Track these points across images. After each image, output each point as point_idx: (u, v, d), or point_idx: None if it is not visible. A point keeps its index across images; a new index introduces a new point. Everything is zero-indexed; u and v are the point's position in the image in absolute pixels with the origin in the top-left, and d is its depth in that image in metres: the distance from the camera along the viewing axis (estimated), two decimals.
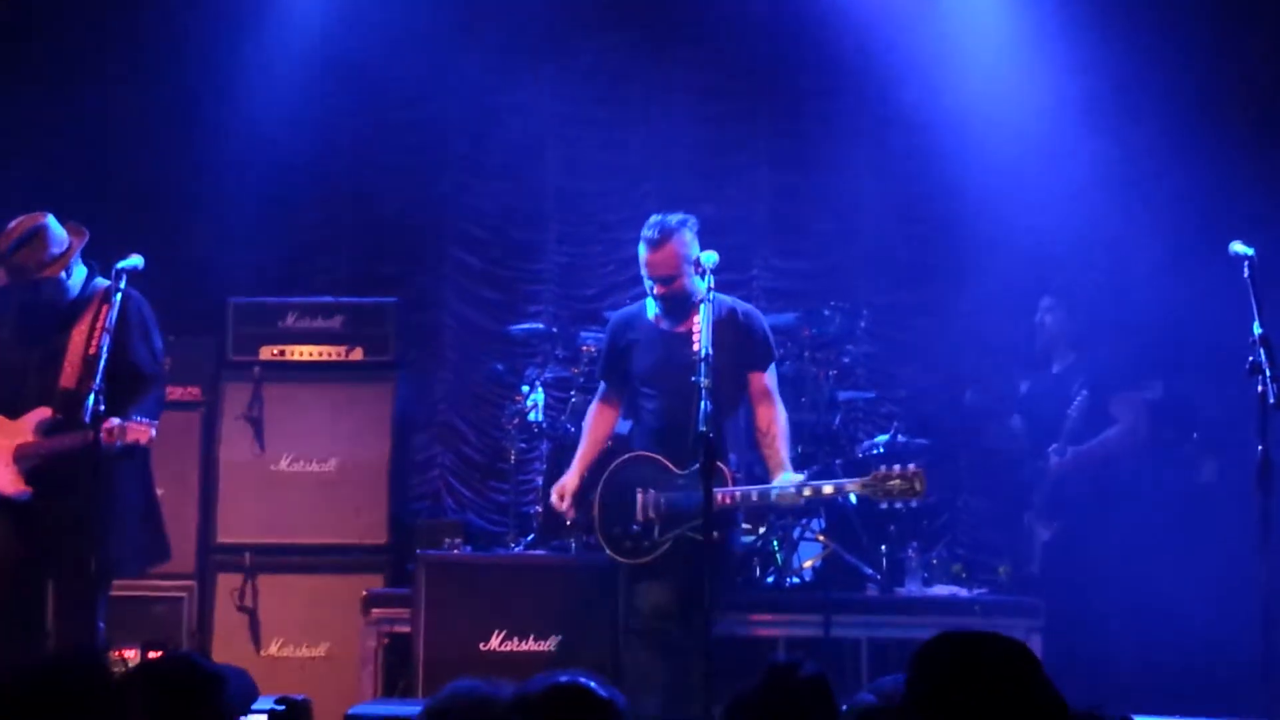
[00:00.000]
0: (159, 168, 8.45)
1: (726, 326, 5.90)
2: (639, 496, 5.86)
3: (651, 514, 5.85)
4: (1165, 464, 6.88)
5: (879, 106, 8.62)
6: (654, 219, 5.92)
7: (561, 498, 6.07)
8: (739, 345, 5.93)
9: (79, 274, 5.80)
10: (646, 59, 8.92)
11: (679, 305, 5.95)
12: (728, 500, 5.69)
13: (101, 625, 5.64)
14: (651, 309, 6.08)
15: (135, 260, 5.60)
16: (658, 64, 8.91)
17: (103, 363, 5.32)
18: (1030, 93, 8.23)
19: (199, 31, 8.49)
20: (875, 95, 8.60)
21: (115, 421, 5.40)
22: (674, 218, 5.92)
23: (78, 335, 5.69)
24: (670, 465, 5.86)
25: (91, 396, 5.20)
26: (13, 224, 5.71)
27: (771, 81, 8.83)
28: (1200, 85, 8.10)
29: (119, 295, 5.52)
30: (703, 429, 5.12)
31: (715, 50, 8.89)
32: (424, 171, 8.91)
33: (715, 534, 5.32)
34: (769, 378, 5.99)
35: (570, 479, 6.12)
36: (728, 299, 6.08)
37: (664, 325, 6.03)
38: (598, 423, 6.26)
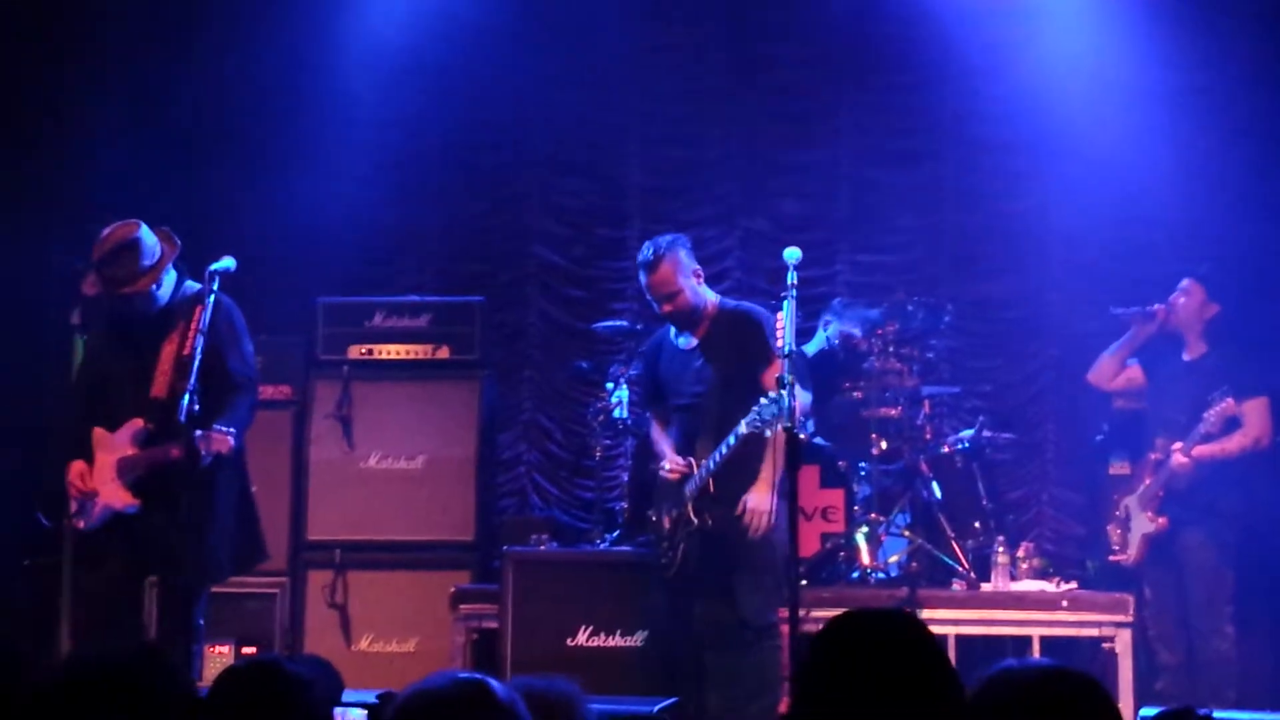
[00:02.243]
0: (247, 168, 8.57)
1: (724, 329, 6.15)
2: (662, 516, 6.21)
3: (668, 525, 6.18)
4: (1260, 458, 6.75)
5: (960, 99, 8.57)
6: (646, 244, 6.21)
7: (674, 465, 6.20)
8: (741, 344, 6.10)
9: (169, 282, 5.78)
10: (726, 55, 8.92)
11: (687, 319, 6.21)
12: (676, 473, 6.07)
13: (201, 624, 5.73)
14: (673, 330, 6.34)
15: (228, 262, 5.63)
16: (738, 60, 8.91)
17: (196, 364, 5.38)
18: (1114, 83, 8.15)
19: (288, 30, 8.58)
20: (956, 88, 8.56)
21: (199, 434, 5.43)
22: (664, 239, 6.21)
23: (169, 345, 5.69)
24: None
25: (186, 397, 5.27)
26: (106, 232, 5.70)
27: (851, 76, 8.81)
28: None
29: (212, 297, 5.57)
30: (788, 424, 5.23)
31: (795, 46, 8.89)
32: (506, 170, 8.99)
33: (708, 518, 5.94)
34: (776, 369, 5.99)
35: (668, 453, 6.28)
36: (730, 303, 6.35)
37: (680, 343, 6.28)
38: (661, 443, 6.42)
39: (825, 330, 7.72)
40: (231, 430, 5.55)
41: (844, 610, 2.66)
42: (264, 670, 3.04)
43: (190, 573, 5.55)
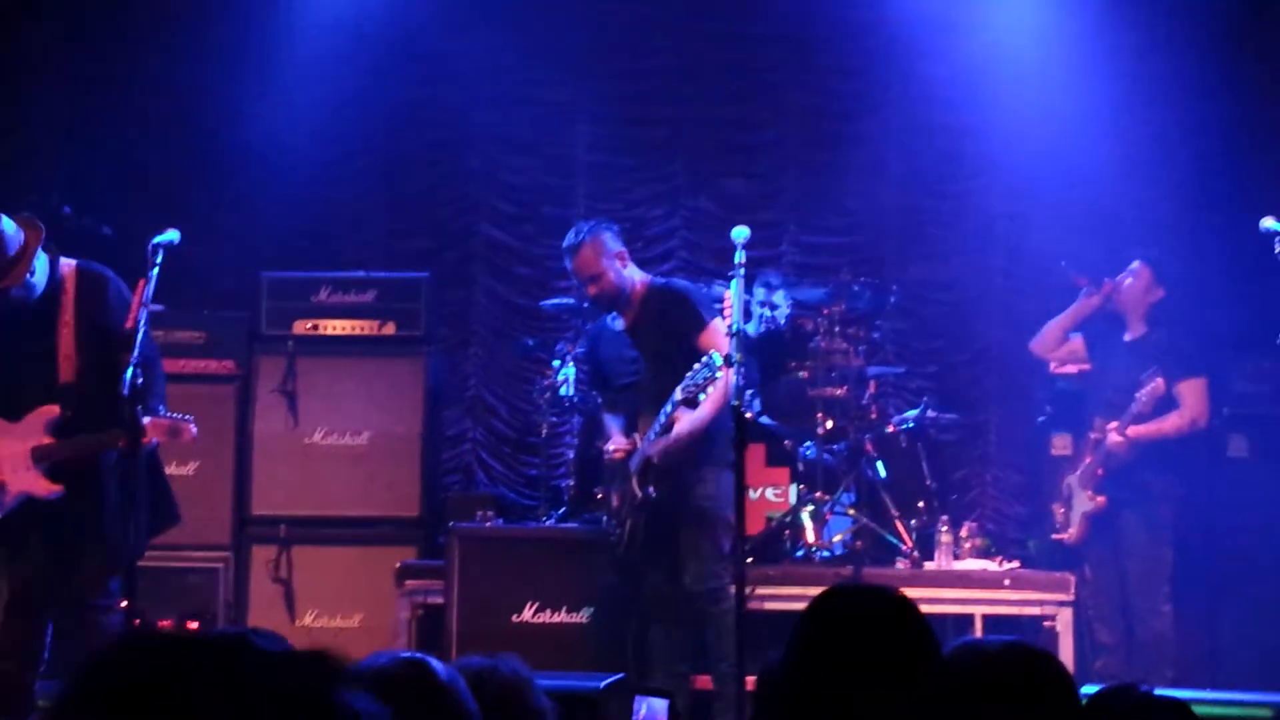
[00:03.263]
0: (191, 143, 8.49)
1: (651, 307, 6.30)
2: (610, 494, 6.36)
3: (615, 502, 6.33)
4: (1195, 439, 6.85)
5: (906, 81, 8.60)
6: (570, 230, 6.43)
7: (619, 444, 6.36)
8: (670, 319, 6.23)
9: (42, 267, 5.59)
10: (673, 33, 8.91)
11: (613, 301, 6.38)
12: (620, 453, 6.21)
13: (124, 602, 5.68)
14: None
15: (171, 235, 5.57)
16: (685, 39, 8.90)
17: (140, 336, 5.33)
18: (1060, 65, 8.21)
19: (232, 5, 8.52)
20: (902, 69, 8.58)
21: (169, 417, 5.45)
22: (587, 224, 6.44)
23: (64, 329, 5.58)
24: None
25: (129, 370, 5.23)
26: None
27: (797, 57, 8.82)
28: (1232, 60, 8.08)
29: (155, 270, 5.52)
30: (734, 402, 5.29)
31: (742, 25, 8.89)
32: (452, 146, 8.95)
33: (651, 490, 6.09)
34: (711, 333, 6.13)
35: (614, 435, 6.44)
36: (659, 281, 6.54)
37: (617, 325, 6.45)
38: (609, 423, 6.56)
39: (762, 305, 7.69)
40: (189, 417, 5.56)
41: (832, 586, 2.68)
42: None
43: (116, 553, 5.53)
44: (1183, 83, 8.13)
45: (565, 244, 6.39)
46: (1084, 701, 2.74)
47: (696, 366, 5.70)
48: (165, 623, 7.02)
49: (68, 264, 5.68)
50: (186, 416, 5.64)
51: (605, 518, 6.37)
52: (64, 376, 5.59)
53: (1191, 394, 6.75)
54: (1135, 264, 6.97)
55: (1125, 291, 6.95)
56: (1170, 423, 6.70)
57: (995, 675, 2.61)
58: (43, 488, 5.60)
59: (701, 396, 5.76)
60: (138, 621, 6.39)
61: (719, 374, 5.59)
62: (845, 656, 2.50)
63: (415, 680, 2.37)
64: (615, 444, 6.32)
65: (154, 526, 5.73)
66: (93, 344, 5.53)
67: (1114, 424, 6.69)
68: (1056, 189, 8.32)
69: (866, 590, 2.66)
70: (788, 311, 7.63)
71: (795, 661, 2.55)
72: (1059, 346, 7.20)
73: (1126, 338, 6.96)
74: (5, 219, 5.51)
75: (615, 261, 6.30)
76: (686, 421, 6.03)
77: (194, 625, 7.24)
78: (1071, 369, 7.44)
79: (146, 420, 5.37)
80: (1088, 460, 6.83)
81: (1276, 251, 5.84)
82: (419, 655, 2.43)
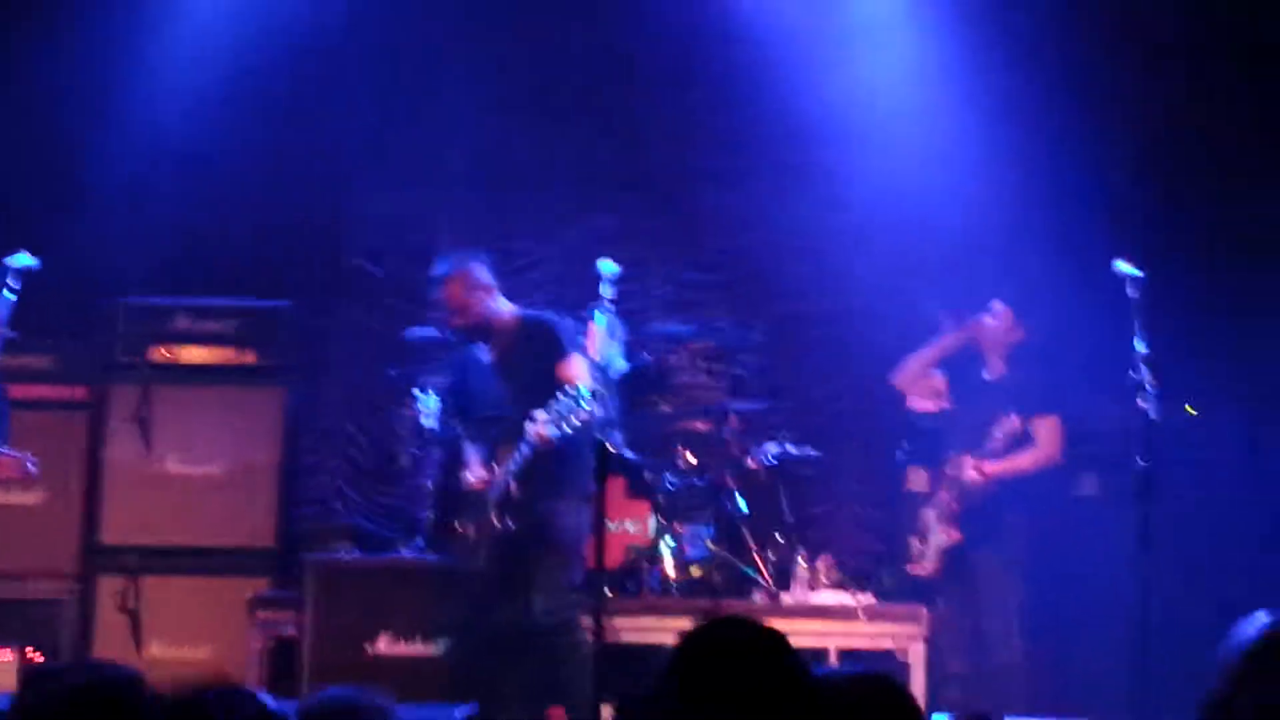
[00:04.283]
0: (45, 160, 8.30)
1: (521, 339, 6.31)
2: (467, 526, 6.31)
3: (472, 533, 6.27)
4: (1047, 476, 6.99)
5: (773, 119, 8.67)
6: (437, 261, 6.46)
7: (479, 475, 6.30)
8: (536, 351, 6.23)
9: None
10: (545, 66, 8.89)
11: (478, 332, 6.39)
12: (480, 484, 6.19)
13: None
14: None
15: (26, 259, 5.48)
16: (555, 71, 8.89)
17: None
18: (926, 107, 8.32)
19: (93, 23, 8.35)
20: (769, 108, 8.66)
21: (11, 455, 5.34)
22: (454, 256, 6.45)
23: None
24: None
25: None
26: None
27: (666, 93, 8.87)
28: (1094, 102, 8.28)
29: (6, 294, 5.40)
30: (597, 436, 5.30)
31: (614, 60, 8.90)
32: (319, 172, 8.84)
33: (510, 521, 6.06)
34: (570, 364, 6.14)
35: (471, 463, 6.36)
36: (530, 314, 6.51)
37: (484, 357, 6.43)
38: (474, 460, 6.44)
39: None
40: (30, 457, 5.45)
41: (706, 618, 2.68)
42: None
43: None
44: (1045, 125, 8.29)
45: (433, 274, 6.36)
46: None
47: (561, 397, 5.69)
48: (5, 654, 6.83)
49: None
50: (28, 455, 5.51)
51: (462, 548, 6.31)
52: None
53: (1045, 431, 6.89)
54: (996, 304, 7.09)
55: (986, 331, 7.07)
56: (1025, 459, 6.83)
57: (850, 703, 2.63)
58: None
59: (566, 427, 5.73)
60: None
61: (584, 405, 5.58)
62: (720, 690, 2.50)
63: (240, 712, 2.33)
64: (475, 474, 6.27)
65: None
66: None
67: (971, 460, 6.79)
68: (920, 228, 8.43)
69: (739, 623, 2.65)
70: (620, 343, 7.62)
71: (667, 694, 2.55)
72: (920, 380, 7.29)
73: (986, 376, 7.08)
74: None
75: (481, 294, 6.28)
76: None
77: (37, 657, 7.06)
78: (931, 406, 7.54)
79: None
80: (944, 495, 6.92)
81: (1130, 294, 5.97)
82: (244, 688, 2.40)
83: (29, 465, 5.57)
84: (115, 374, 7.57)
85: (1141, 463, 5.78)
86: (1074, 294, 7.67)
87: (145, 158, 8.37)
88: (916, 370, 7.27)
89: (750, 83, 8.65)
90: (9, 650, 7.05)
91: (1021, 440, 6.81)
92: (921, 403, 7.51)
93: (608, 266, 5.75)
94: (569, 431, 5.73)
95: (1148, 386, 5.75)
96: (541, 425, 5.73)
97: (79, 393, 7.56)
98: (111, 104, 8.30)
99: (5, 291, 5.43)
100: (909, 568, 7.06)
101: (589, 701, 5.64)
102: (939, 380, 7.24)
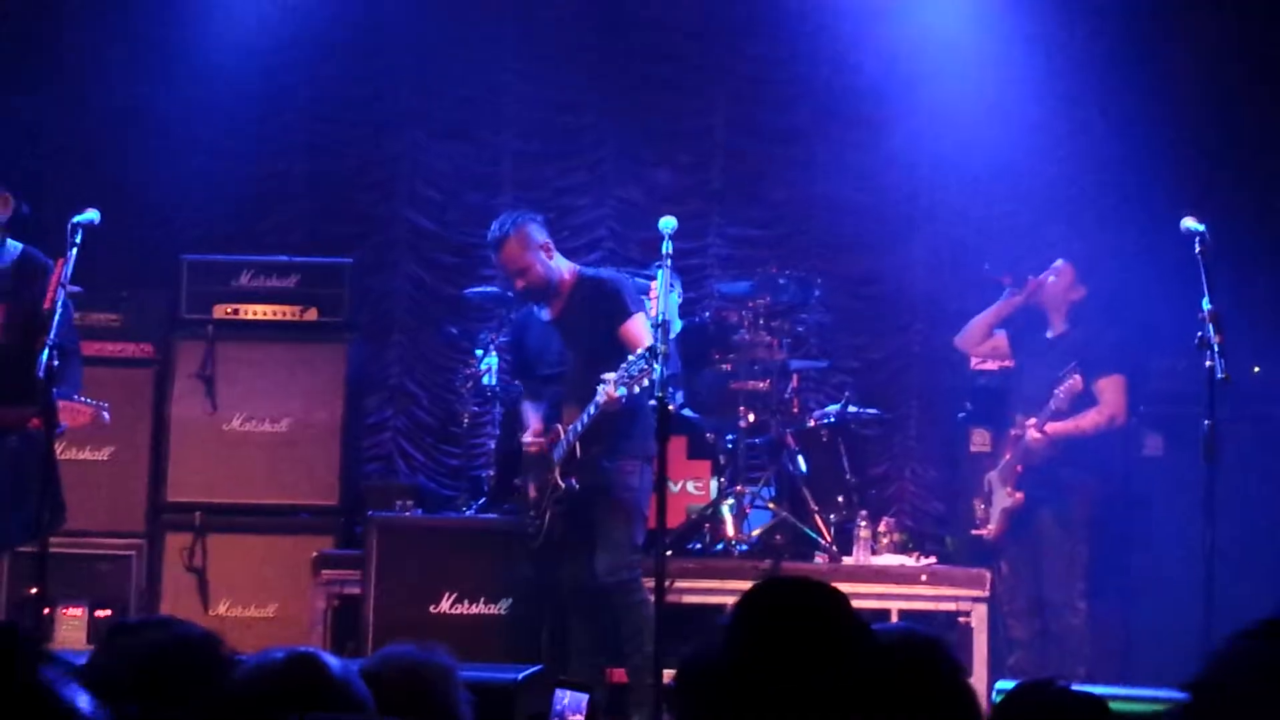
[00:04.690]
0: (112, 121, 8.37)
1: (580, 298, 6.26)
2: (529, 485, 6.30)
3: (534, 493, 6.27)
4: (1111, 437, 6.92)
5: (833, 72, 8.61)
6: (494, 222, 6.34)
7: (538, 435, 6.30)
8: (597, 310, 6.20)
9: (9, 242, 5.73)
10: (601, 19, 8.86)
11: (541, 293, 6.31)
12: (535, 447, 6.18)
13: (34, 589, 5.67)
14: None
15: (91, 215, 5.52)
16: (613, 25, 8.85)
17: (57, 318, 5.27)
18: (985, 58, 8.25)
19: None
20: (828, 61, 8.60)
21: (87, 403, 5.42)
22: (511, 216, 6.35)
23: (2, 304, 5.65)
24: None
25: (45, 352, 5.16)
26: None
27: (726, 46, 8.81)
28: (1154, 57, 8.16)
29: (74, 250, 5.45)
30: (658, 394, 5.28)
31: (670, 12, 8.85)
32: (376, 130, 8.85)
33: (573, 481, 6.06)
34: (634, 324, 6.14)
35: (533, 424, 6.37)
36: (589, 271, 6.50)
37: (544, 315, 6.36)
38: (529, 414, 6.49)
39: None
40: (105, 405, 5.50)
41: (765, 578, 2.68)
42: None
43: (14, 533, 5.50)
44: (1108, 80, 8.19)
45: (490, 237, 6.31)
46: (1001, 697, 2.75)
47: (632, 358, 5.67)
48: (75, 611, 6.92)
49: (15, 246, 5.74)
50: (103, 404, 5.60)
51: (524, 507, 6.33)
52: None
53: (1110, 391, 6.81)
54: (1058, 263, 7.02)
55: (1048, 290, 6.99)
56: (1088, 420, 6.76)
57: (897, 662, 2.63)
58: None
59: (637, 389, 5.72)
60: (48, 610, 6.33)
61: (655, 366, 5.53)
62: (782, 649, 2.49)
63: (307, 677, 2.34)
64: (532, 436, 6.29)
65: (39, 524, 5.53)
66: (21, 325, 5.55)
67: (1033, 420, 6.74)
68: (981, 184, 8.37)
69: (801, 583, 2.65)
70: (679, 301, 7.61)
71: (730, 653, 2.55)
72: (983, 342, 7.25)
73: (1048, 335, 7.01)
74: None
75: (541, 253, 6.24)
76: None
77: (106, 614, 7.15)
78: (992, 366, 7.50)
79: (64, 403, 5.34)
80: (1007, 456, 6.87)
81: (1196, 251, 5.88)
82: (311, 650, 2.40)
83: (104, 414, 5.64)
84: (180, 330, 7.61)
85: (1207, 423, 5.67)
86: (1139, 252, 7.60)
87: (207, 116, 8.42)
88: (979, 332, 7.22)
89: (809, 36, 8.59)
90: (78, 607, 7.15)
91: (1085, 400, 6.74)
92: (985, 379, 7.46)
93: (668, 223, 5.73)
94: (637, 392, 5.71)
95: (1214, 345, 5.66)
96: (611, 386, 5.72)
97: (145, 349, 7.60)
98: (171, 65, 8.34)
99: (72, 249, 5.45)
100: (973, 532, 7.02)
101: (650, 662, 5.66)
102: (1001, 340, 7.19)
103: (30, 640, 1.62)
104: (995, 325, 7.17)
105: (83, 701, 1.59)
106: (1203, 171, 7.99)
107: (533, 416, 6.38)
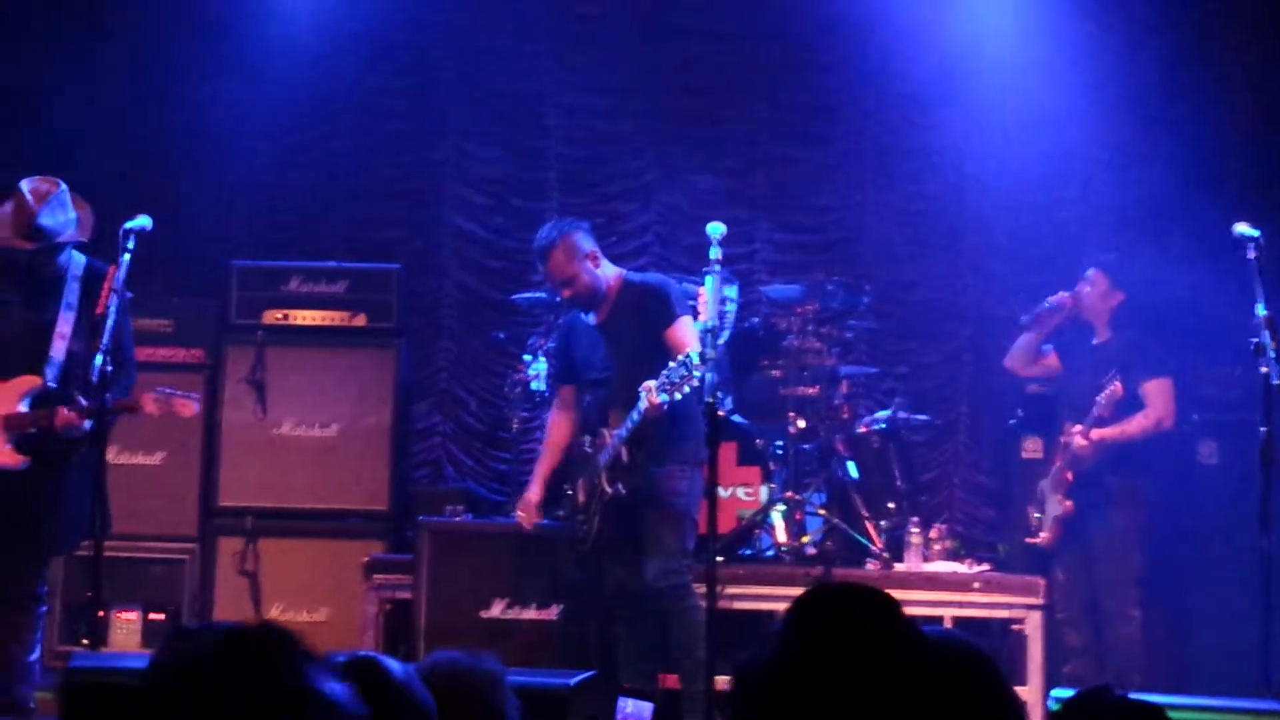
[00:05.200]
0: (160, 129, 8.42)
1: (626, 303, 6.25)
2: (577, 489, 6.28)
3: (583, 497, 6.24)
4: (1165, 443, 6.86)
5: (880, 79, 8.58)
6: (540, 232, 6.34)
7: (525, 513, 6.38)
8: (643, 315, 6.18)
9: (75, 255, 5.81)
10: (644, 26, 8.84)
11: (588, 301, 6.30)
12: (599, 445, 6.14)
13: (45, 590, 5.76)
14: None
15: (143, 220, 5.56)
16: (655, 31, 8.84)
17: (111, 323, 5.32)
18: (1030, 64, 8.21)
19: None
20: (876, 66, 8.57)
21: (166, 391, 5.50)
22: (555, 225, 6.34)
23: (67, 310, 5.69)
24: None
25: (99, 357, 5.21)
26: (32, 185, 5.63)
27: (769, 52, 8.79)
28: (1202, 60, 8.11)
29: (127, 256, 5.50)
30: (708, 399, 5.28)
31: (713, 19, 8.84)
32: (422, 136, 8.87)
33: (620, 486, 6.03)
34: (679, 328, 6.10)
35: (531, 493, 6.43)
36: (635, 276, 6.45)
37: (591, 319, 6.36)
38: (556, 431, 6.53)
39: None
40: (195, 395, 5.79)
41: (818, 584, 2.66)
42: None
43: (66, 535, 5.56)
44: (1157, 87, 8.14)
45: (536, 246, 6.31)
46: (1058, 705, 2.72)
47: (673, 365, 5.65)
48: (129, 614, 6.96)
49: (79, 256, 5.81)
50: (192, 395, 5.70)
51: (572, 512, 6.33)
52: (54, 353, 5.64)
53: (1156, 395, 6.76)
54: (1090, 272, 7.00)
55: (1084, 299, 6.97)
56: (1135, 424, 6.70)
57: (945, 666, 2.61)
58: (8, 458, 5.58)
59: (678, 395, 5.70)
60: (102, 613, 6.38)
61: (696, 372, 5.54)
62: (836, 654, 2.48)
63: (368, 679, 2.34)
64: (522, 508, 6.41)
65: (88, 529, 5.61)
66: (86, 332, 5.62)
67: (1078, 427, 6.69)
68: (1025, 189, 8.32)
69: (854, 589, 2.63)
70: (734, 306, 7.59)
71: (783, 659, 2.53)
72: (1033, 362, 7.20)
73: (1094, 342, 6.98)
74: (66, 191, 5.69)
75: (588, 262, 6.22)
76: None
77: (159, 617, 7.19)
78: (1043, 386, 7.44)
79: (147, 395, 5.46)
80: (1057, 464, 6.83)
81: (1250, 257, 5.83)
82: (371, 654, 2.41)
83: (195, 404, 5.76)
84: (230, 336, 7.66)
85: (1263, 429, 5.62)
86: (1192, 257, 7.53)
87: (255, 123, 8.47)
88: (1028, 352, 7.17)
89: (855, 40, 8.56)
90: (132, 611, 7.20)
91: (1129, 405, 6.69)
92: (1036, 385, 7.41)
93: (715, 229, 5.72)
94: (679, 398, 5.69)
95: (1269, 350, 5.60)
96: (653, 392, 5.70)
97: (196, 355, 7.66)
98: (219, 72, 8.39)
99: (124, 255, 5.50)
100: (1027, 539, 6.97)
101: (701, 668, 5.64)
102: (1052, 359, 7.14)
103: (292, 638, 1.60)
104: (1042, 343, 7.13)
105: (343, 696, 1.63)
106: (1258, 176, 7.92)
107: (533, 487, 6.41)
